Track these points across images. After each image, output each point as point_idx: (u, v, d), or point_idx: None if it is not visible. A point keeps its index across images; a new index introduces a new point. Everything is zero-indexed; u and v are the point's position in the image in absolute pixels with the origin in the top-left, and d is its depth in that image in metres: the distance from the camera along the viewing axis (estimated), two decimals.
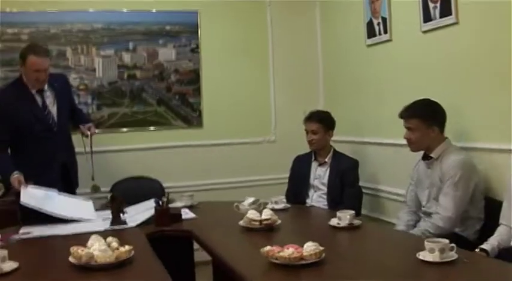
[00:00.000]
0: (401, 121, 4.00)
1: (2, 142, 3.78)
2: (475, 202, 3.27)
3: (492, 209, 3.16)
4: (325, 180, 4.16)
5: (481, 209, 3.29)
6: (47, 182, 3.73)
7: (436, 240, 2.36)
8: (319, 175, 4.22)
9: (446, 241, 2.33)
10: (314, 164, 4.27)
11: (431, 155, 3.42)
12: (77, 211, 3.58)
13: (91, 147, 3.99)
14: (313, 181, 4.22)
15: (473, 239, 3.17)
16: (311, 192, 4.22)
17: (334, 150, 4.27)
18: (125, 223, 3.30)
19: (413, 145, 3.50)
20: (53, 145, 3.86)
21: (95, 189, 4.01)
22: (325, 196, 4.14)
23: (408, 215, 3.55)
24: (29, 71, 3.72)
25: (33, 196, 3.51)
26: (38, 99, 3.86)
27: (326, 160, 4.21)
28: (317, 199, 4.16)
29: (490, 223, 3.08)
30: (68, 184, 4.01)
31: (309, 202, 4.18)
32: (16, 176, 3.59)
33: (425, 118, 3.38)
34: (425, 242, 2.34)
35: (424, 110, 3.43)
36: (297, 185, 4.31)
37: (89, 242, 2.56)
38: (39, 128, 3.78)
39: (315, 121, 4.21)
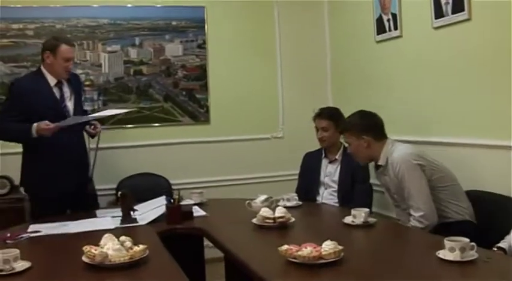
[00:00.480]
0: (412, 118, 4.01)
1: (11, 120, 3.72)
2: (436, 190, 3.29)
3: (493, 204, 3.18)
4: (336, 177, 4.13)
5: (450, 196, 3.30)
6: (63, 178, 3.75)
7: (457, 239, 2.32)
8: (330, 172, 4.18)
9: (467, 239, 2.30)
10: (324, 161, 4.23)
11: (379, 163, 3.43)
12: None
13: (97, 145, 3.99)
14: (324, 178, 4.19)
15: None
16: (321, 189, 4.19)
17: (345, 147, 4.17)
18: (135, 221, 3.27)
19: (356, 158, 3.59)
20: (68, 138, 3.81)
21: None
22: (335, 193, 4.11)
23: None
24: (59, 61, 3.78)
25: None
26: (56, 91, 3.86)
27: (336, 157, 4.17)
28: (327, 196, 4.13)
29: (491, 217, 3.10)
30: (81, 181, 3.94)
31: (319, 199, 4.15)
32: (37, 124, 3.60)
33: (354, 131, 3.47)
34: (445, 241, 2.31)
35: (347, 123, 3.57)
36: (307, 182, 4.27)
37: (102, 241, 2.53)
38: (54, 120, 3.69)
39: (326, 118, 4.16)
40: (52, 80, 3.84)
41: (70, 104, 3.91)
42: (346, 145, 4.15)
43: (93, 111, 4.82)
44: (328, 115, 4.18)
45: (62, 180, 3.75)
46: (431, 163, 3.34)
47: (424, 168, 3.28)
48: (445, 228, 3.12)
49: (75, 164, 3.87)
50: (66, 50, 3.81)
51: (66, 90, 3.91)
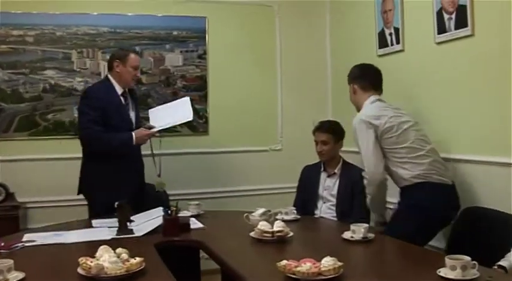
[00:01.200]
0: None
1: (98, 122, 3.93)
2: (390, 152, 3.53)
3: (493, 221, 3.16)
4: (335, 191, 4.08)
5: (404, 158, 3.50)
6: (126, 182, 3.97)
7: (458, 257, 2.30)
8: (328, 185, 4.13)
9: (468, 258, 2.28)
10: (323, 175, 4.18)
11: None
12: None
13: (151, 149, 4.24)
14: (322, 192, 4.14)
15: None
16: (320, 203, 4.13)
17: (344, 160, 4.19)
18: (132, 232, 3.25)
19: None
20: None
21: (161, 186, 4.29)
22: (333, 208, 4.06)
23: None
24: (128, 69, 4.08)
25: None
26: (123, 100, 4.11)
27: (335, 171, 4.13)
28: (326, 210, 4.08)
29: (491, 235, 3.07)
30: (142, 184, 4.28)
31: (317, 213, 4.10)
32: (137, 132, 3.99)
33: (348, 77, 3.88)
34: (446, 259, 2.29)
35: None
36: (306, 196, 4.22)
37: (98, 253, 2.50)
38: (123, 128, 4.01)
39: (325, 132, 4.13)
40: (119, 89, 4.09)
41: (132, 114, 4.17)
42: (345, 158, 4.19)
43: None
44: (328, 129, 4.15)
45: (124, 184, 3.93)
46: (390, 124, 3.52)
47: (376, 128, 3.51)
48: (401, 191, 3.56)
49: (135, 168, 4.17)
50: (135, 58, 4.13)
51: (129, 101, 4.17)
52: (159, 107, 4.46)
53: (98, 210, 3.86)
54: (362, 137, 3.54)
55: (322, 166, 4.21)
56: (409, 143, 3.51)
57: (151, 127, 4.12)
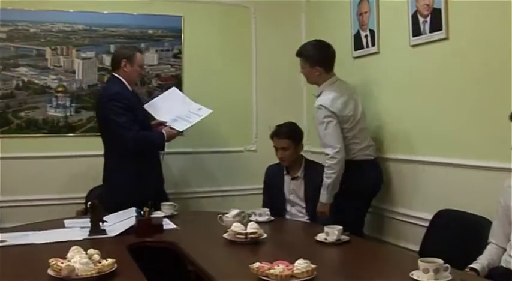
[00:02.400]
0: (387, 135, 4.01)
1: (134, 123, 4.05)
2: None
3: (463, 223, 3.18)
4: (301, 194, 3.99)
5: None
6: (149, 176, 4.12)
7: (430, 260, 2.30)
8: (293, 189, 4.02)
9: (441, 261, 2.28)
10: (287, 178, 4.07)
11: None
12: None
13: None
14: (289, 195, 4.04)
15: None
16: (288, 206, 4.05)
17: (306, 161, 4.08)
18: (104, 232, 3.20)
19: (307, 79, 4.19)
20: None
21: None
22: (303, 210, 3.98)
23: None
24: (136, 68, 4.20)
25: None
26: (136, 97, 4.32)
27: (298, 174, 4.01)
28: (296, 213, 4.00)
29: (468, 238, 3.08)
30: (162, 179, 4.37)
31: (287, 216, 4.01)
32: (166, 130, 4.18)
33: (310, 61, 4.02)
34: (419, 262, 2.29)
35: (305, 51, 4.08)
36: (273, 200, 4.10)
37: (69, 254, 2.46)
38: (146, 124, 4.22)
39: (284, 137, 3.99)
40: (129, 87, 4.22)
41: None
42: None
43: (65, 118, 4.74)
44: (287, 134, 4.01)
45: (147, 178, 4.07)
46: (341, 112, 3.88)
47: (332, 115, 3.83)
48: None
49: (157, 163, 4.28)
50: (141, 57, 4.27)
51: (138, 99, 4.38)
52: (153, 101, 4.57)
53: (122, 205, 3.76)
54: (319, 117, 3.86)
55: (285, 168, 4.09)
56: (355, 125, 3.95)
57: (162, 122, 4.32)
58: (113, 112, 4.03)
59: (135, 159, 4.05)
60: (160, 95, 4.63)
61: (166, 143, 4.21)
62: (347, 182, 3.83)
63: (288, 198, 4.04)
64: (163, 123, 4.31)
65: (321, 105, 3.85)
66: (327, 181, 3.80)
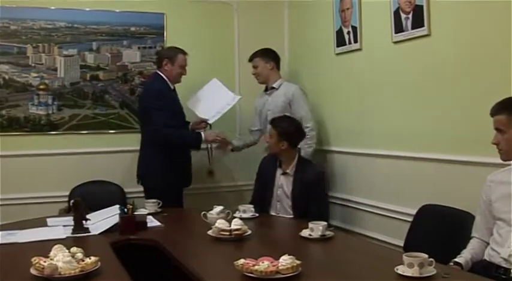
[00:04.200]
0: (369, 131, 4.01)
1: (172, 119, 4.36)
2: None
3: (446, 218, 3.20)
4: (288, 191, 3.93)
5: None
6: (182, 170, 4.50)
7: (415, 255, 2.30)
8: (282, 184, 3.98)
9: (425, 255, 2.28)
10: (278, 172, 4.03)
11: (273, 85, 4.72)
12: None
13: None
14: (277, 190, 3.99)
15: None
16: (273, 202, 4.00)
17: (299, 159, 4.02)
18: (87, 230, 3.17)
19: (259, 78, 4.79)
20: None
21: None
22: (289, 208, 3.92)
23: None
24: (177, 68, 4.49)
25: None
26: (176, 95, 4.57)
27: (288, 170, 3.96)
28: (281, 210, 3.95)
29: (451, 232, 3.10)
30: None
31: (272, 212, 3.97)
32: (206, 133, 4.46)
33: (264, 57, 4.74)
34: (404, 257, 2.29)
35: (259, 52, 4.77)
36: (262, 191, 4.07)
37: (52, 253, 2.42)
38: (183, 121, 4.55)
39: (272, 126, 4.00)
40: (171, 85, 4.52)
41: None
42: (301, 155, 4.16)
43: (47, 116, 4.69)
44: (275, 124, 4.00)
45: (181, 172, 4.46)
46: None
47: None
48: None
49: (189, 157, 4.57)
50: (183, 58, 4.52)
51: (178, 97, 4.58)
52: (194, 98, 4.72)
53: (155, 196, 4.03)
54: (304, 99, 4.58)
55: (278, 161, 4.05)
56: None
57: (203, 120, 4.57)
58: (150, 106, 4.36)
59: (166, 151, 4.34)
60: (202, 89, 4.74)
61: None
62: None
63: (276, 193, 3.99)
64: (204, 121, 4.58)
65: (302, 89, 4.67)
66: (309, 150, 4.40)
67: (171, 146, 4.35)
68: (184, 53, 4.55)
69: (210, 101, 4.64)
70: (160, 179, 4.32)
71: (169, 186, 4.33)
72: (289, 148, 3.93)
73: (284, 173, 3.98)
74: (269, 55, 4.73)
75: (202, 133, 4.44)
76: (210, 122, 4.53)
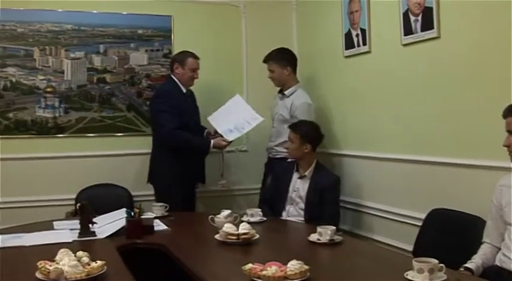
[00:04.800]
0: (377, 134, 4.00)
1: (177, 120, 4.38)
2: None
3: (457, 222, 3.17)
4: (303, 194, 3.96)
5: None
6: (193, 174, 4.56)
7: (425, 260, 2.27)
8: (298, 187, 4.01)
9: (436, 261, 2.26)
10: (295, 175, 4.07)
11: (285, 92, 4.62)
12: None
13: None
14: (292, 193, 4.02)
15: None
16: (287, 205, 4.02)
17: (317, 163, 4.06)
18: (94, 234, 3.17)
19: (276, 81, 4.75)
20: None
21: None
22: (301, 211, 3.95)
23: None
24: (187, 71, 4.53)
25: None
26: (187, 98, 4.62)
27: (306, 173, 4.00)
28: (293, 213, 3.97)
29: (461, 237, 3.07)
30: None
31: (284, 215, 3.99)
32: (215, 141, 4.43)
33: (281, 62, 4.62)
34: (414, 262, 2.27)
35: (275, 54, 4.64)
36: (275, 194, 4.10)
37: (58, 257, 2.41)
38: (192, 124, 4.54)
39: (293, 130, 4.06)
40: (183, 89, 4.57)
41: (194, 112, 4.68)
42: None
43: (54, 118, 4.69)
44: (296, 128, 4.06)
45: (192, 173, 4.51)
46: None
47: None
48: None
49: (201, 158, 4.59)
50: (193, 62, 4.55)
51: (190, 101, 4.66)
52: (216, 113, 4.65)
53: (164, 198, 4.08)
54: (308, 115, 4.39)
55: (295, 165, 4.10)
56: None
57: (216, 132, 4.54)
58: (156, 109, 4.47)
59: (176, 153, 4.38)
60: (224, 105, 4.67)
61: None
62: None
63: (290, 195, 4.02)
64: (223, 138, 4.50)
65: (309, 103, 4.49)
66: None
67: (177, 150, 4.37)
68: (194, 57, 4.57)
69: (231, 118, 4.56)
70: (170, 181, 4.38)
71: (180, 187, 4.38)
72: (311, 150, 4.01)
73: (301, 177, 4.02)
74: (285, 58, 4.62)
75: (212, 141, 4.44)
76: (229, 140, 4.45)
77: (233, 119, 4.53)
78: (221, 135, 4.48)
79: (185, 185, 4.49)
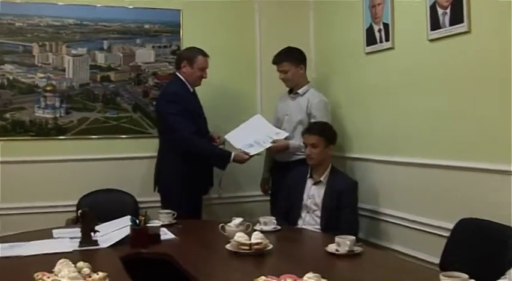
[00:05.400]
0: (401, 136, 3.96)
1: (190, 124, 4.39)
2: None
3: (488, 233, 3.08)
4: (319, 200, 3.98)
5: None
6: (201, 179, 4.52)
7: (454, 274, 2.24)
8: (313, 194, 4.03)
9: (466, 276, 2.22)
10: (309, 182, 4.09)
11: (298, 91, 4.65)
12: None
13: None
14: (307, 200, 4.04)
15: None
16: (303, 213, 4.04)
17: (333, 167, 4.10)
18: (96, 243, 3.17)
19: (289, 82, 4.69)
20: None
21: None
22: (318, 219, 3.97)
23: None
24: (196, 70, 4.49)
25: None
26: (195, 98, 4.63)
27: (321, 179, 4.03)
28: (310, 221, 3.99)
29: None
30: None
31: (300, 223, 4.01)
32: (236, 154, 4.40)
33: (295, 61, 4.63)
34: (441, 276, 2.24)
35: (286, 54, 4.66)
36: (290, 203, 4.12)
37: (56, 268, 2.41)
38: (202, 125, 4.57)
39: (315, 133, 4.07)
40: (190, 88, 4.55)
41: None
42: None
43: (55, 119, 4.69)
44: (319, 131, 4.09)
45: (200, 179, 4.47)
46: None
47: None
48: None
49: (209, 167, 4.57)
50: (203, 60, 4.51)
51: (197, 100, 4.65)
52: (234, 130, 4.64)
53: (172, 205, 4.06)
54: (327, 112, 4.54)
55: (309, 171, 4.12)
56: None
57: (219, 137, 4.60)
58: (166, 110, 4.41)
59: (185, 158, 4.36)
60: (243, 124, 4.67)
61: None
62: None
63: (305, 203, 4.04)
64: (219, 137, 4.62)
65: (326, 101, 4.60)
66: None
67: (192, 156, 4.35)
68: (204, 54, 4.53)
69: (251, 134, 4.56)
70: (179, 186, 4.35)
71: (188, 194, 4.37)
72: (329, 152, 4.10)
73: (316, 183, 4.05)
74: (298, 57, 4.65)
75: (233, 153, 4.40)
76: (251, 154, 4.41)
77: (253, 135, 4.52)
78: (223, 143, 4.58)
79: (194, 191, 4.46)
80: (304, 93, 4.61)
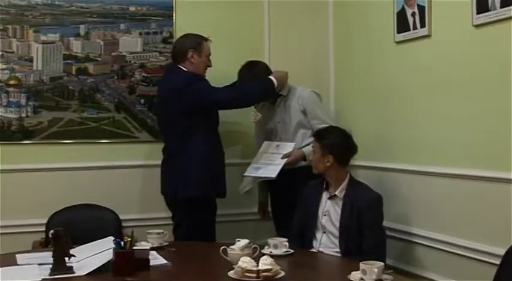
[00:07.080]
0: (439, 143, 3.98)
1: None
2: None
3: None
4: (335, 218, 3.98)
5: None
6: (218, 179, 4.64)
7: None
8: (328, 210, 4.04)
9: None
10: (324, 196, 4.10)
11: (282, 93, 4.85)
12: None
13: None
14: (321, 218, 4.05)
15: None
16: (319, 233, 4.05)
17: (351, 179, 4.08)
18: (71, 270, 3.17)
19: None
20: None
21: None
22: (336, 240, 3.96)
23: None
24: (204, 58, 4.64)
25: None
26: None
27: (337, 193, 4.02)
28: (327, 243, 3.99)
29: None
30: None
31: (315, 245, 4.02)
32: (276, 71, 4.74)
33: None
34: None
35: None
36: (304, 222, 4.14)
37: None
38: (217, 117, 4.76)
39: (316, 139, 4.17)
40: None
41: None
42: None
43: (20, 120, 4.68)
44: (316, 133, 4.21)
45: (218, 181, 4.61)
46: None
47: None
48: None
49: (224, 164, 4.71)
50: (208, 46, 4.67)
51: None
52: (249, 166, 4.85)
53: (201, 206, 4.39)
54: (321, 103, 4.89)
55: (324, 182, 4.13)
56: None
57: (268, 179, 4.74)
58: (201, 91, 4.51)
59: (203, 158, 4.52)
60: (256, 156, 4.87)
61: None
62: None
63: (320, 221, 4.05)
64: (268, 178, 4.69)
65: (317, 92, 4.90)
66: None
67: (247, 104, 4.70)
68: (206, 39, 4.66)
69: (266, 160, 4.75)
70: (199, 189, 4.45)
71: (207, 196, 4.54)
72: (336, 164, 4.02)
73: (332, 197, 4.05)
74: (263, 72, 4.78)
75: (271, 77, 4.64)
76: (273, 177, 4.57)
77: (271, 159, 4.71)
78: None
79: (212, 195, 4.64)
80: (288, 92, 4.85)
